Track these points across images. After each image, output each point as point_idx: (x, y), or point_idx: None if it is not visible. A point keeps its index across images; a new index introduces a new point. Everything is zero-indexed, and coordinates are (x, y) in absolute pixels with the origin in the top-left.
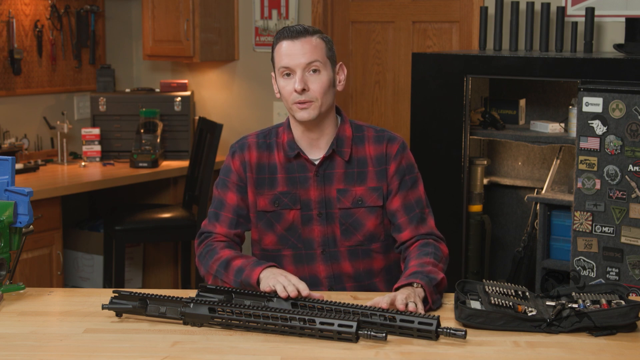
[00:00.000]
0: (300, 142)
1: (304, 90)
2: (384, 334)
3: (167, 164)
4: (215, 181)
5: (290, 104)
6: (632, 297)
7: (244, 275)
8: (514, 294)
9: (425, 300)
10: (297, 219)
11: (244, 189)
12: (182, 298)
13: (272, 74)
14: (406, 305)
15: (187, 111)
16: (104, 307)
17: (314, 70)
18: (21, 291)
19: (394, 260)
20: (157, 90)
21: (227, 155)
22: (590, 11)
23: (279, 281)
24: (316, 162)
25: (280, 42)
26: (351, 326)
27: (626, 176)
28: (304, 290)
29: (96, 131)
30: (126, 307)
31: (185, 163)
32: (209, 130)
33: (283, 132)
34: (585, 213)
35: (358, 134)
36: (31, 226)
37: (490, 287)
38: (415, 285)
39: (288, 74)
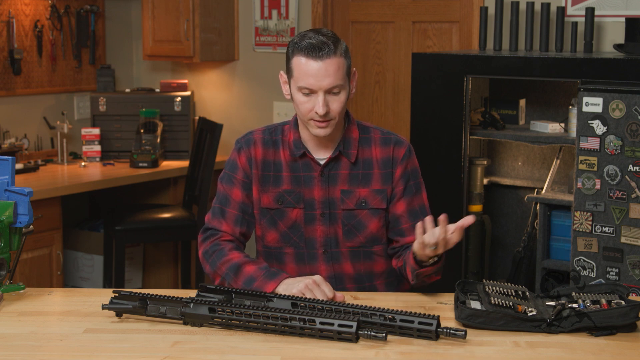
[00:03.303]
0: (307, 142)
1: (326, 113)
2: (384, 334)
3: (167, 164)
4: (220, 175)
5: (306, 119)
6: (632, 297)
7: (255, 285)
8: (514, 294)
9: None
10: (300, 217)
11: (249, 185)
12: (182, 298)
13: (282, 73)
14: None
15: (187, 111)
16: (104, 307)
17: (335, 92)
18: (21, 291)
19: None
20: (157, 90)
21: (232, 150)
22: (590, 11)
23: (307, 289)
24: (322, 162)
25: (300, 56)
26: (351, 326)
27: (626, 176)
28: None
29: (96, 131)
30: (126, 307)
31: (185, 163)
32: (209, 130)
33: (289, 131)
34: (585, 213)
35: (364, 136)
36: (31, 226)
37: (490, 287)
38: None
39: (308, 93)
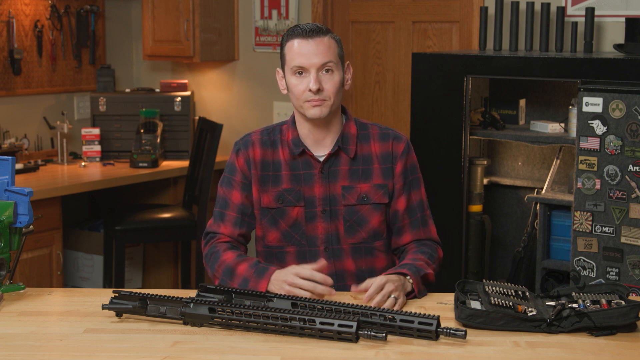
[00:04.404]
0: (306, 139)
1: (319, 90)
2: (384, 334)
3: (167, 164)
4: (220, 179)
5: (301, 102)
6: (632, 297)
7: (250, 286)
8: (514, 294)
9: (411, 291)
10: (301, 215)
11: (249, 186)
12: (182, 298)
13: (278, 69)
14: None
15: (187, 111)
16: (104, 307)
17: (327, 70)
18: (21, 291)
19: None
20: (157, 90)
21: (231, 152)
22: (590, 11)
23: (297, 286)
24: (321, 159)
25: (293, 40)
26: (351, 326)
27: (626, 176)
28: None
29: (96, 131)
30: (126, 307)
31: (185, 163)
32: (209, 130)
33: (287, 130)
34: (585, 213)
35: (363, 132)
36: (31, 226)
37: (490, 287)
38: (407, 278)
39: (300, 73)
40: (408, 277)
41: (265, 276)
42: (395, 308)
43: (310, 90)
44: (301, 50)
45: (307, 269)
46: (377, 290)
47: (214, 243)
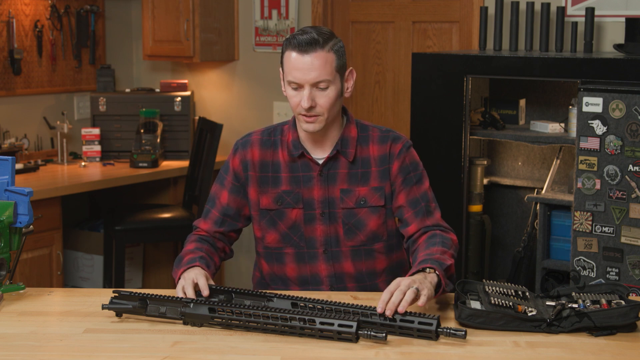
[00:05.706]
0: (305, 142)
1: (311, 107)
2: (384, 334)
3: (167, 164)
4: (217, 175)
5: (296, 114)
6: (632, 297)
7: (173, 274)
8: (514, 294)
9: (439, 285)
10: (300, 217)
11: (239, 189)
12: (182, 298)
13: (280, 70)
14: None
15: (187, 111)
16: (104, 307)
17: (322, 87)
18: (21, 291)
19: (397, 261)
20: (157, 90)
21: (231, 150)
22: (590, 11)
23: (180, 287)
24: (320, 162)
25: (290, 51)
26: (351, 326)
27: (626, 176)
28: (203, 290)
29: (96, 131)
30: (126, 307)
31: (185, 163)
32: (209, 130)
33: (288, 131)
34: (585, 213)
35: (363, 134)
36: (31, 226)
37: (490, 287)
38: (427, 270)
39: (296, 87)
40: (428, 270)
41: (181, 269)
42: (421, 301)
43: (302, 106)
44: (297, 65)
45: (192, 284)
46: (391, 291)
47: (189, 236)
